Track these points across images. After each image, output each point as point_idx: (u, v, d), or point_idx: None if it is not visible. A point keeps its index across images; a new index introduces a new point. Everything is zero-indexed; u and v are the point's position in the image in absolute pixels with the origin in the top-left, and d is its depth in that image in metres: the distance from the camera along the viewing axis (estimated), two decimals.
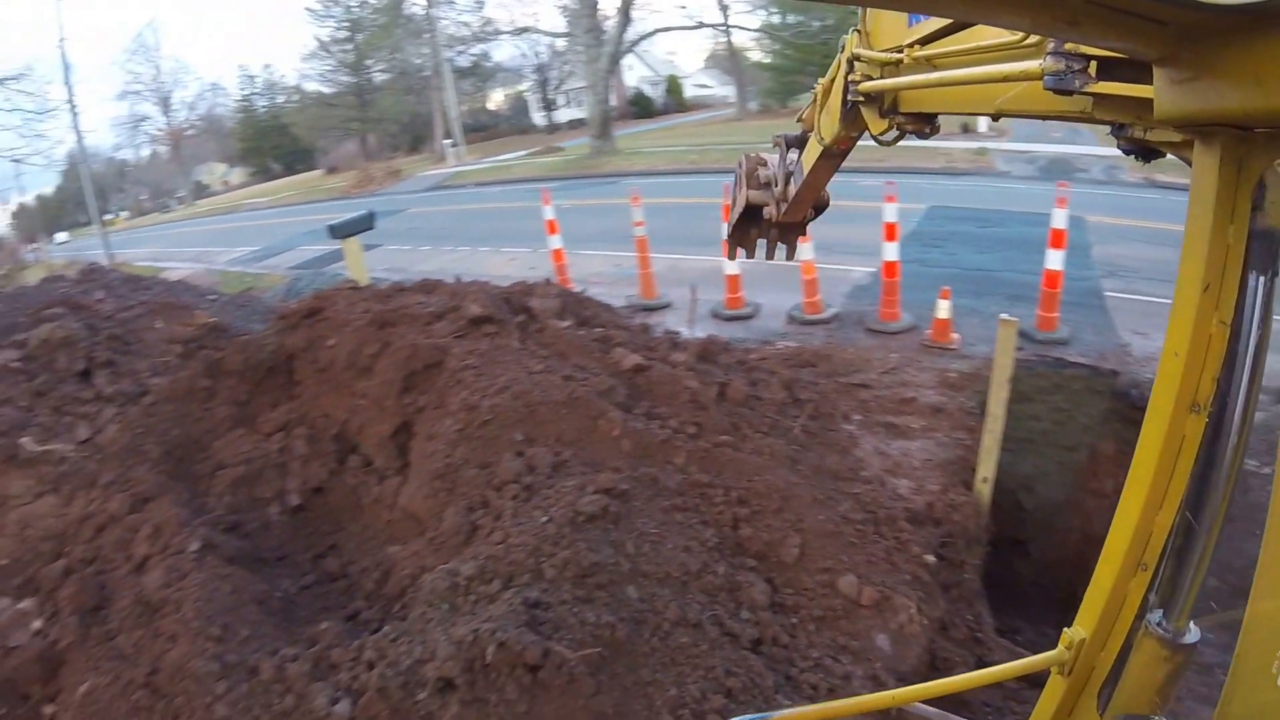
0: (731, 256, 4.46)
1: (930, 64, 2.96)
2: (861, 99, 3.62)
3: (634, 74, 65.16)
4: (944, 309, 8.15)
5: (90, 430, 6.50)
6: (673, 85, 67.31)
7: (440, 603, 3.73)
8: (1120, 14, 0.96)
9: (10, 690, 4.21)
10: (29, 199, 79.67)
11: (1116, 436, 6.86)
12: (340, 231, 10.74)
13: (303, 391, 6.11)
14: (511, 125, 69.48)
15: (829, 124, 4.24)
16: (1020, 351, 6.48)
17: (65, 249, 37.82)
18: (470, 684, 3.25)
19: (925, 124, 3.45)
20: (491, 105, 73.18)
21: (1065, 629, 1.77)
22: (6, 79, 18.00)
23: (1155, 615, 1.64)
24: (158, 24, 71.44)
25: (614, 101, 46.16)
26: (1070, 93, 1.68)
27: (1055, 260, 8.09)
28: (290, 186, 62.79)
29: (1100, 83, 1.65)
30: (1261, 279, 1.35)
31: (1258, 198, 1.30)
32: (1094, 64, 1.62)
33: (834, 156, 4.69)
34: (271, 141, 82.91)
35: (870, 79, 3.49)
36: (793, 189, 5.28)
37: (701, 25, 46.38)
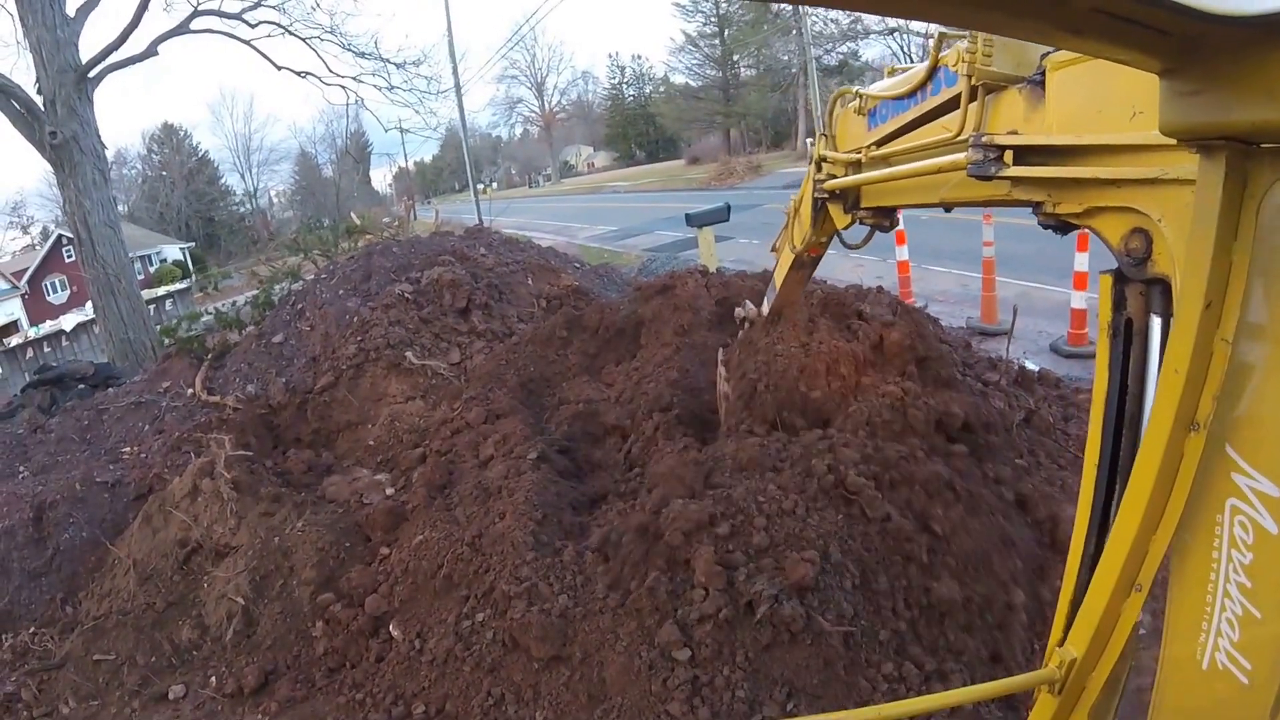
0: None
1: (885, 161, 3.34)
2: (827, 196, 4.05)
3: None
4: None
5: (461, 356, 8.33)
6: None
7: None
8: (1124, 23, 0.98)
9: (358, 532, 5.74)
10: (409, 165, 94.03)
11: None
12: (697, 220, 12.11)
13: (645, 354, 7.25)
14: None
15: (800, 231, 4.70)
16: None
17: (424, 210, 42.57)
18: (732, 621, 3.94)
19: (885, 218, 3.84)
20: None
21: (1056, 648, 1.88)
22: (408, 63, 22.14)
23: None
24: (535, 17, 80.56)
25: None
26: (990, 178, 2.04)
27: None
28: (651, 173, 67.29)
29: (1015, 168, 1.98)
30: None
31: None
32: (1009, 153, 1.98)
33: (805, 266, 5.10)
34: (637, 129, 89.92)
35: (834, 178, 3.89)
36: (766, 307, 5.73)
37: None
